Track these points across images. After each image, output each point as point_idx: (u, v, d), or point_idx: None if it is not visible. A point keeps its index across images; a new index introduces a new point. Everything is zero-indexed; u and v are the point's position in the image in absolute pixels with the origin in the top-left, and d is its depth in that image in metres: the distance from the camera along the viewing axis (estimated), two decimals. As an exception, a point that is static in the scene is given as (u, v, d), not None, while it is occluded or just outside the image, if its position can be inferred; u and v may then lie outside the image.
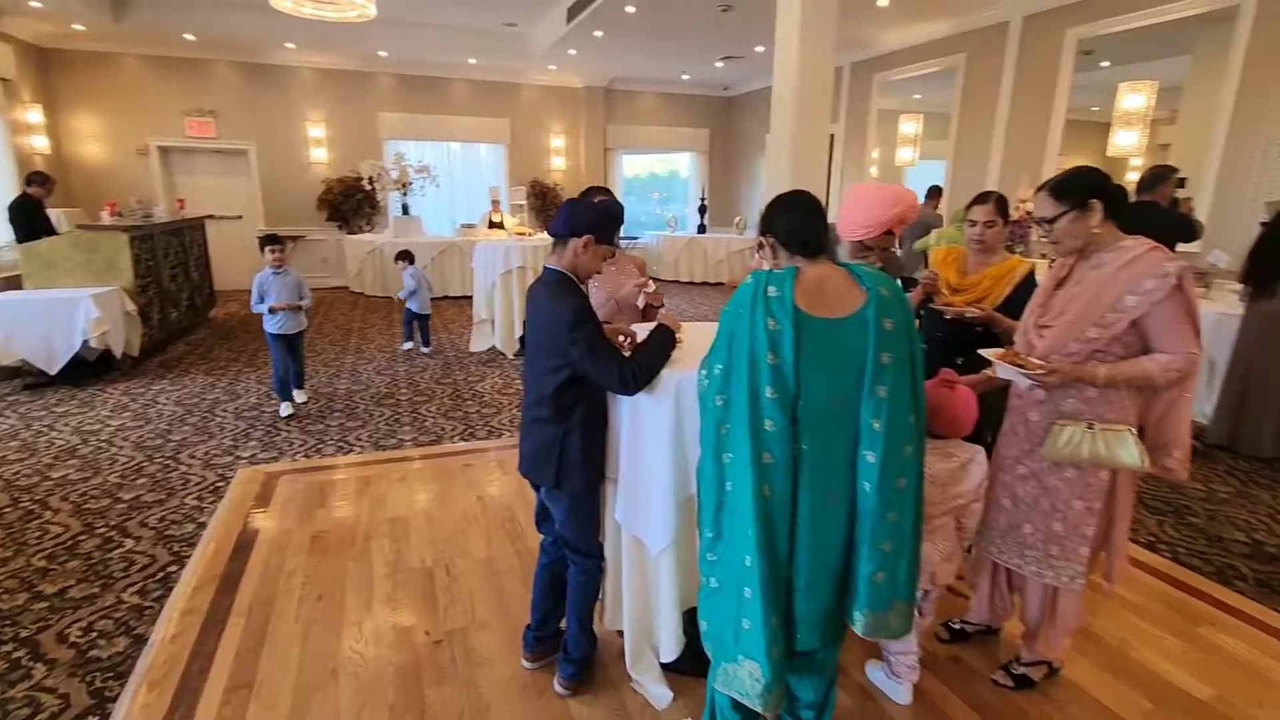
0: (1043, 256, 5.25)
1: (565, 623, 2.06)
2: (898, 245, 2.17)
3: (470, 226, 10.18)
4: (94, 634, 2.32)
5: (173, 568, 2.74)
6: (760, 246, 1.66)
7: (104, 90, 8.97)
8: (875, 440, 1.48)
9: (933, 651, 2.25)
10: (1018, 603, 2.17)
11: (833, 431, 1.49)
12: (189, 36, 8.64)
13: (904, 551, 1.54)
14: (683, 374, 1.77)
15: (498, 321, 6.12)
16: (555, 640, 2.16)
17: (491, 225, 10.08)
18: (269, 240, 4.39)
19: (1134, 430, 1.80)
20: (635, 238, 11.94)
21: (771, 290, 1.47)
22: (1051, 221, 1.84)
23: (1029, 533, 1.98)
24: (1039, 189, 1.90)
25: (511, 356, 6.18)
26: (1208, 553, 2.91)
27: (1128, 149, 5.55)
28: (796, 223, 1.58)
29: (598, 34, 8.17)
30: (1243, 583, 2.68)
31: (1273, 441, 3.89)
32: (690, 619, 1.91)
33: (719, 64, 9.86)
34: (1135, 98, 5.48)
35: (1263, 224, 4.11)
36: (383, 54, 9.71)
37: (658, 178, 13.99)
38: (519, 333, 6.23)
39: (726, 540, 1.57)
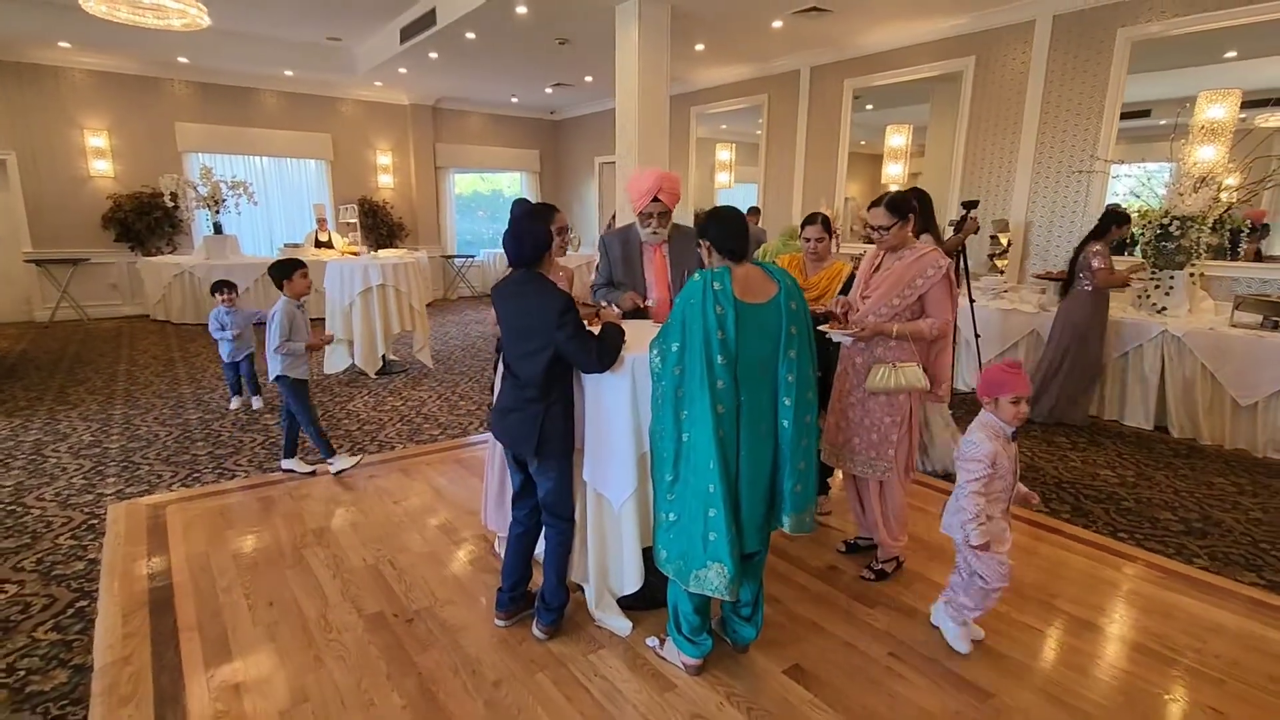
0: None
1: (543, 578, 2.38)
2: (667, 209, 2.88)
3: (295, 246, 9.68)
4: (20, 673, 2.21)
5: (81, 603, 2.61)
6: (698, 246, 2.18)
7: None
8: (790, 389, 2.05)
9: (813, 565, 2.90)
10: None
11: (760, 385, 2.04)
12: (-69, 29, 7.37)
13: (811, 468, 2.13)
14: (636, 355, 2.22)
15: (358, 341, 6.04)
16: (525, 600, 2.47)
17: (319, 244, 9.68)
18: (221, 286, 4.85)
19: (920, 364, 2.62)
20: (472, 256, 12.01)
21: (716, 285, 1.98)
22: (887, 229, 2.60)
23: (857, 444, 2.73)
24: (874, 205, 2.66)
25: (374, 375, 6.12)
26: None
27: (896, 177, 6.93)
28: (725, 234, 2.10)
29: (433, 55, 8.29)
30: (1004, 494, 3.70)
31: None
32: (645, 557, 2.35)
33: (549, 90, 10.37)
34: (898, 137, 6.89)
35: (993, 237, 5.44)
36: (183, 60, 8.96)
37: (481, 196, 14.13)
38: (382, 350, 6.20)
39: (684, 480, 2.05)
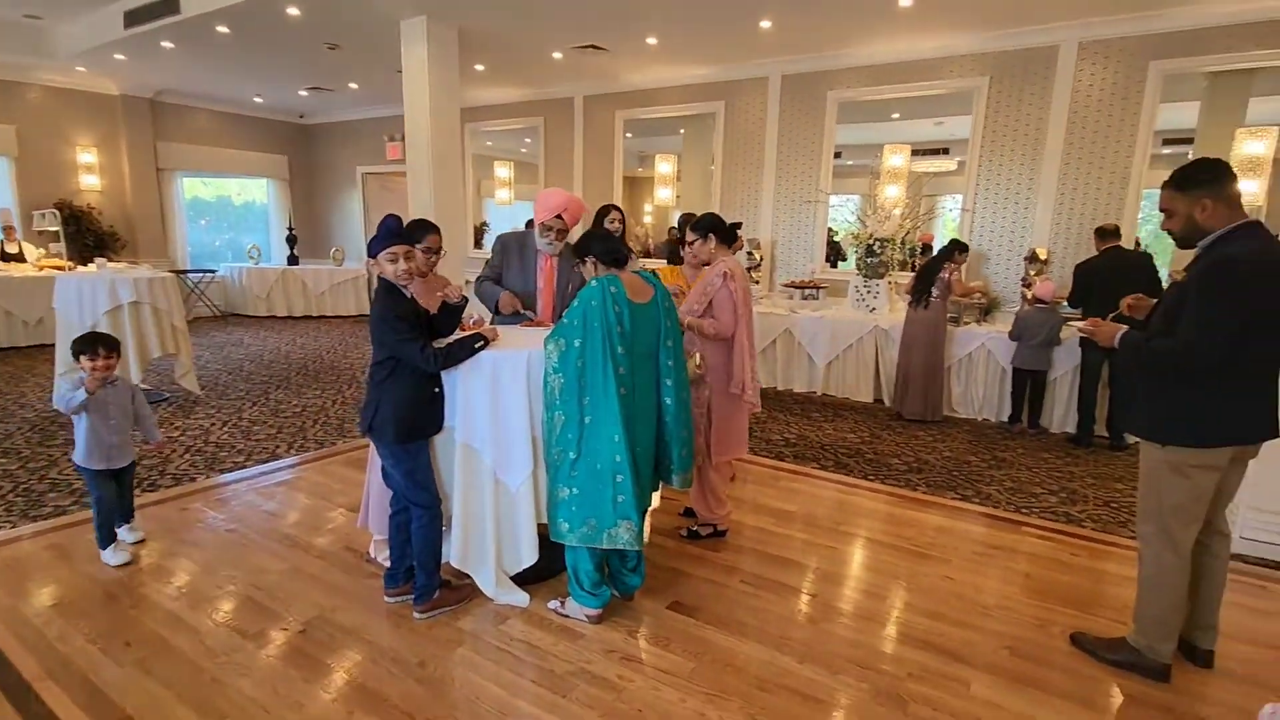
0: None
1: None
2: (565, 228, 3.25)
3: (-33, 259, 7.79)
4: None
5: None
6: (583, 263, 2.54)
7: None
8: (670, 372, 2.53)
9: (666, 527, 3.40)
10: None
11: (647, 370, 2.49)
12: None
13: (691, 435, 2.63)
14: (533, 351, 2.51)
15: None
16: (407, 576, 2.61)
17: (6, 257, 7.96)
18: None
19: (696, 356, 3.06)
20: (212, 271, 10.59)
21: (613, 289, 2.38)
22: (691, 244, 3.20)
23: None
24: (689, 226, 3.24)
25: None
26: (797, 451, 4.82)
27: (666, 200, 7.88)
28: (607, 247, 2.50)
29: (167, 45, 7.35)
30: (790, 459, 4.60)
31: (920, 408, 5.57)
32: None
33: (304, 92, 9.69)
34: (666, 165, 7.84)
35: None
36: None
37: (203, 202, 12.49)
38: (137, 378, 5.38)
39: (586, 455, 2.40)
